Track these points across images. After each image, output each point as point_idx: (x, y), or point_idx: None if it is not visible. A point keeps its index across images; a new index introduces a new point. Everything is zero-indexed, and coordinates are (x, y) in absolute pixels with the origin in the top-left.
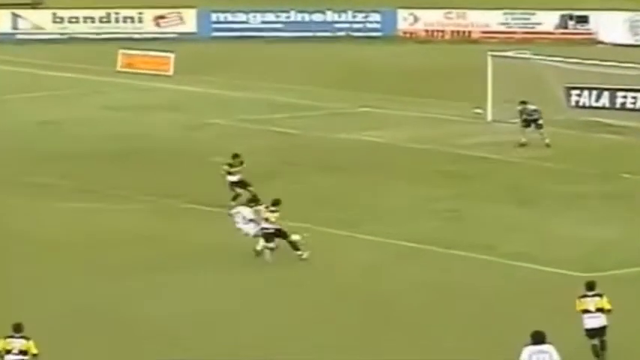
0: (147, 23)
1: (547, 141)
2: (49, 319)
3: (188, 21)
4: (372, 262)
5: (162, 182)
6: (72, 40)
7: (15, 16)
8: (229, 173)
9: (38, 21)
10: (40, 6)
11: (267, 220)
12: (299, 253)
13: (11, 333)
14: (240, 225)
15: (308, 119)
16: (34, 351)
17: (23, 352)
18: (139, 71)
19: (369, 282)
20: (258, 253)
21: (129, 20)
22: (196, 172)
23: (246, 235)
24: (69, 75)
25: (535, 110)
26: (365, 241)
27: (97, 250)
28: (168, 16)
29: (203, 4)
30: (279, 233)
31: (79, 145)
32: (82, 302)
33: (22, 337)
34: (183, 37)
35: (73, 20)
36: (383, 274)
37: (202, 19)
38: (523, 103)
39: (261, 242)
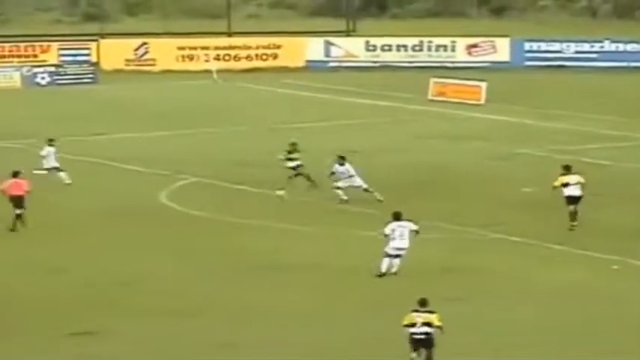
0: (459, 52)
1: None
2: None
3: (501, 50)
4: None
5: (468, 212)
6: (384, 67)
7: (328, 44)
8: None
9: (351, 49)
10: (353, 34)
11: None
12: None
13: (416, 307)
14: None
15: (621, 150)
16: (438, 323)
17: (427, 324)
18: (450, 100)
19: None
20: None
21: (441, 49)
22: (506, 202)
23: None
24: (380, 103)
25: None
26: None
27: (402, 283)
28: (481, 44)
29: (517, 33)
30: None
31: (387, 174)
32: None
33: (427, 312)
34: (496, 66)
35: (386, 48)
36: None
37: (516, 48)
38: None
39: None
